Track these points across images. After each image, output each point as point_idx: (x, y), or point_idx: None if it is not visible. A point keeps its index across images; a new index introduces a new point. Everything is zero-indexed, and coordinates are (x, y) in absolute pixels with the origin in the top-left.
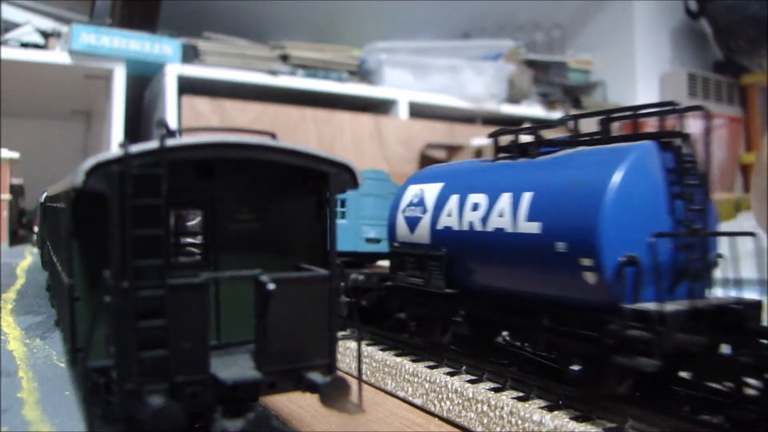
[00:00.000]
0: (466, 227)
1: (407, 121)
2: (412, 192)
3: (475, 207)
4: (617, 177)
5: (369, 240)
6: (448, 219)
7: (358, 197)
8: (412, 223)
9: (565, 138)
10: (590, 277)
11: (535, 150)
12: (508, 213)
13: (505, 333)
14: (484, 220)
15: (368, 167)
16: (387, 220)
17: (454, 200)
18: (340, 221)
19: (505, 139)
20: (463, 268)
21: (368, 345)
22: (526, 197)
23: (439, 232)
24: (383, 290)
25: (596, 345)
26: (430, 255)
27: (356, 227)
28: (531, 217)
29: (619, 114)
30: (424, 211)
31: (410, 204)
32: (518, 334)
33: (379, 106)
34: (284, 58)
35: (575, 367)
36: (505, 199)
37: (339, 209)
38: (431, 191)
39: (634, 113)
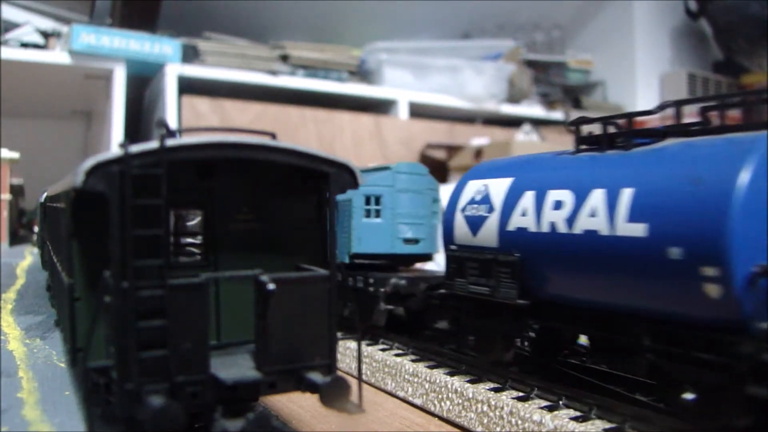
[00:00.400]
0: (546, 229)
1: (407, 121)
2: (473, 188)
3: (558, 205)
4: (746, 173)
5: (407, 240)
6: (522, 219)
7: (394, 193)
8: (475, 223)
9: (662, 128)
10: (714, 290)
11: (629, 141)
12: (603, 213)
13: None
14: (570, 220)
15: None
16: (425, 218)
17: (529, 197)
18: (374, 220)
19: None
20: (541, 275)
21: (368, 345)
22: (626, 194)
23: (510, 234)
24: (434, 298)
25: (718, 370)
26: (498, 260)
27: (392, 227)
28: (634, 218)
29: (729, 101)
30: (491, 209)
31: (472, 202)
32: (605, 354)
33: (379, 106)
34: (284, 58)
35: (688, 396)
36: (597, 197)
37: (373, 207)
38: (498, 187)
39: (745, 98)
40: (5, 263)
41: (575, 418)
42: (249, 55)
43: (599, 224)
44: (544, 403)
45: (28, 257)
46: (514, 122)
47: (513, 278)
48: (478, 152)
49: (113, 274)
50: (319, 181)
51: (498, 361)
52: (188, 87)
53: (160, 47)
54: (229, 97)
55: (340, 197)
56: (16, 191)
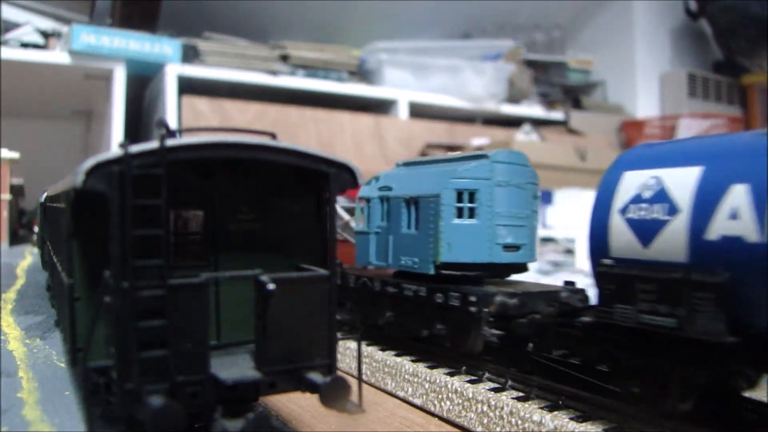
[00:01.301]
0: None
1: (407, 121)
2: (634, 182)
3: None
4: None
5: (506, 247)
6: (732, 224)
7: (492, 188)
8: (647, 229)
9: None
10: None
11: None
12: None
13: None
14: None
15: (368, 167)
16: (527, 219)
17: (739, 194)
18: (467, 221)
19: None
20: (764, 303)
21: (368, 345)
22: None
23: (710, 244)
24: (577, 328)
25: None
26: (693, 281)
27: (490, 229)
28: None
29: None
30: (672, 210)
31: (637, 200)
32: None
33: (379, 106)
34: (284, 58)
35: None
36: None
37: (466, 205)
38: (681, 179)
39: None
40: (5, 263)
41: (575, 418)
42: (249, 55)
43: None
44: (544, 403)
45: (28, 257)
46: (514, 122)
47: (718, 306)
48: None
49: (113, 274)
50: (319, 181)
51: (671, 412)
52: (188, 87)
53: (160, 47)
54: (229, 97)
55: (423, 193)
56: (16, 191)
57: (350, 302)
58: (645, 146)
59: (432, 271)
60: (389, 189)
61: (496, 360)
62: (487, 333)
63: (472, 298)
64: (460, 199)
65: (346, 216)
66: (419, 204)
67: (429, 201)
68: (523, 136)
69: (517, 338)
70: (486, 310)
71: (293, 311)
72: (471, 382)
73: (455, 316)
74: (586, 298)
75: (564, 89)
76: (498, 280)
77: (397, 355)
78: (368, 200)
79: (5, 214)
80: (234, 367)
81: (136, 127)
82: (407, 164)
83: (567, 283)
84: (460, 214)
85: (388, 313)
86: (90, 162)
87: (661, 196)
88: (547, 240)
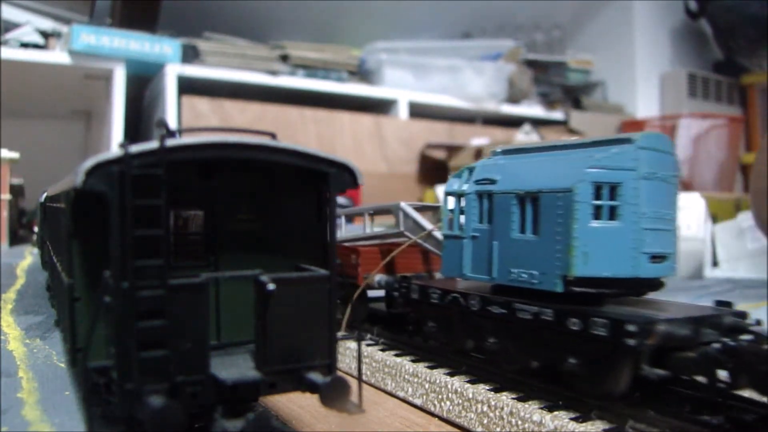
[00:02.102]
0: None
1: (407, 121)
2: None
3: None
4: None
5: (654, 257)
6: None
7: (637, 181)
8: None
9: None
10: None
11: None
12: None
13: None
14: None
15: (368, 167)
16: (672, 221)
17: None
18: (609, 224)
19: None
20: None
21: (368, 345)
22: None
23: None
24: None
25: None
26: None
27: (635, 234)
28: None
29: None
30: None
31: None
32: None
33: (379, 106)
34: (284, 58)
35: None
36: None
37: (606, 203)
38: None
39: None
40: (5, 263)
41: (575, 418)
42: (249, 55)
43: None
44: (544, 404)
45: (28, 257)
46: (514, 122)
47: None
48: (478, 152)
49: (113, 274)
50: (319, 181)
51: None
52: (188, 87)
53: (160, 47)
54: (229, 97)
55: (546, 186)
56: (16, 191)
57: (430, 322)
58: None
59: (560, 288)
60: (491, 182)
61: (654, 406)
62: (648, 371)
63: (631, 327)
64: (598, 195)
65: (428, 225)
66: (540, 201)
67: (556, 197)
68: (523, 136)
69: (679, 375)
70: (647, 342)
71: (293, 311)
72: (471, 382)
73: (598, 348)
74: (758, 323)
75: (564, 89)
76: (632, 299)
77: (397, 355)
78: (460, 196)
79: (5, 214)
80: (234, 367)
81: (136, 127)
82: (510, 151)
83: (720, 303)
84: (598, 214)
85: (491, 339)
86: (90, 162)
87: None
88: None
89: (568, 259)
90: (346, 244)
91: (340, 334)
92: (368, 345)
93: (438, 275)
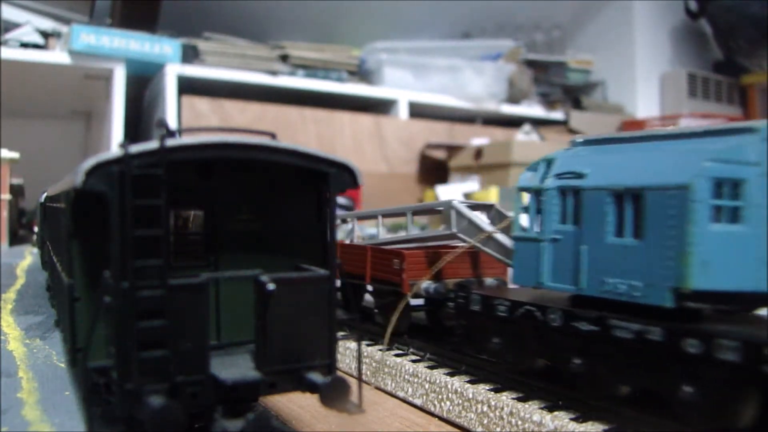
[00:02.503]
0: None
1: (407, 121)
2: None
3: None
4: None
5: None
6: None
7: (762, 178)
8: None
9: None
10: None
11: None
12: None
13: None
14: None
15: (368, 167)
16: None
17: None
18: (732, 228)
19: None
20: None
21: (368, 345)
22: None
23: None
24: None
25: None
26: None
27: (760, 240)
28: None
29: None
30: None
31: None
32: None
33: (379, 106)
34: (284, 58)
35: None
36: None
37: (728, 203)
38: None
39: None
40: (5, 263)
41: (575, 419)
42: (249, 55)
43: None
44: (544, 404)
45: (28, 257)
46: (514, 122)
47: None
48: (478, 152)
49: (113, 274)
50: (319, 181)
51: None
52: (188, 87)
53: (160, 47)
54: (229, 97)
55: (653, 182)
56: (16, 191)
57: (495, 337)
58: None
59: (670, 303)
60: (578, 176)
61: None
62: None
63: None
64: (718, 193)
65: (488, 227)
66: (645, 199)
67: (666, 195)
68: (523, 136)
69: None
70: None
71: (293, 311)
72: (471, 382)
73: (724, 375)
74: None
75: (564, 89)
76: (739, 315)
77: (397, 355)
78: (538, 192)
79: (5, 214)
80: (234, 367)
81: (136, 127)
82: (596, 141)
83: None
84: (718, 216)
85: (576, 360)
86: (90, 162)
87: None
88: None
89: (683, 269)
90: (387, 247)
91: (384, 345)
92: (368, 345)
93: (489, 282)
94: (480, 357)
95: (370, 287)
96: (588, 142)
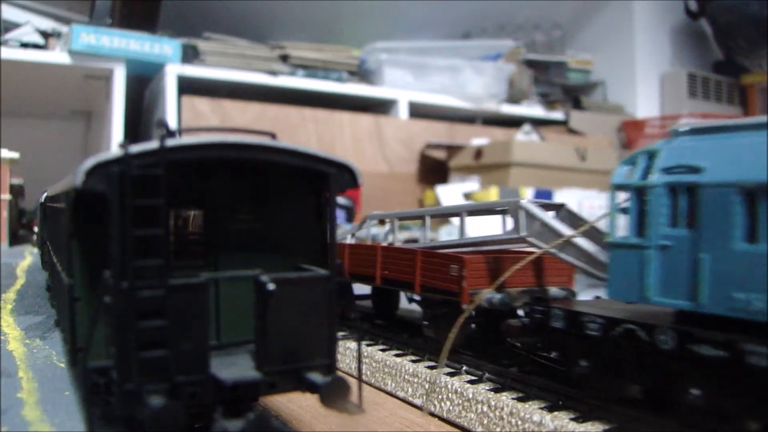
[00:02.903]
0: None
1: (407, 121)
2: None
3: None
4: None
5: None
6: None
7: None
8: None
9: None
10: None
11: None
12: None
13: None
14: None
15: (368, 167)
16: None
17: None
18: None
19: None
20: None
21: (368, 345)
22: None
23: None
24: None
25: None
26: None
27: None
28: None
29: None
30: None
31: None
32: None
33: (379, 106)
34: (284, 58)
35: None
36: None
37: None
38: None
39: None
40: (5, 263)
41: (575, 419)
42: (249, 55)
43: None
44: (544, 404)
45: (28, 257)
46: (514, 122)
47: None
48: (478, 152)
49: (113, 274)
50: (319, 181)
51: None
52: (188, 87)
53: (160, 47)
54: (229, 97)
55: (722, 179)
56: (16, 191)
57: (583, 360)
58: None
59: None
60: (694, 170)
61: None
62: None
63: None
64: None
65: (566, 231)
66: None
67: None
68: (523, 136)
69: None
70: None
71: (293, 311)
72: (471, 382)
73: None
74: None
75: (564, 89)
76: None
77: (397, 355)
78: (640, 191)
79: (5, 214)
80: (234, 367)
81: (136, 127)
82: (708, 130)
83: None
84: None
85: (694, 391)
86: (90, 162)
87: None
88: None
89: None
90: (442, 251)
91: (441, 364)
92: (368, 345)
93: (555, 292)
94: (559, 384)
95: (417, 296)
96: (695, 131)
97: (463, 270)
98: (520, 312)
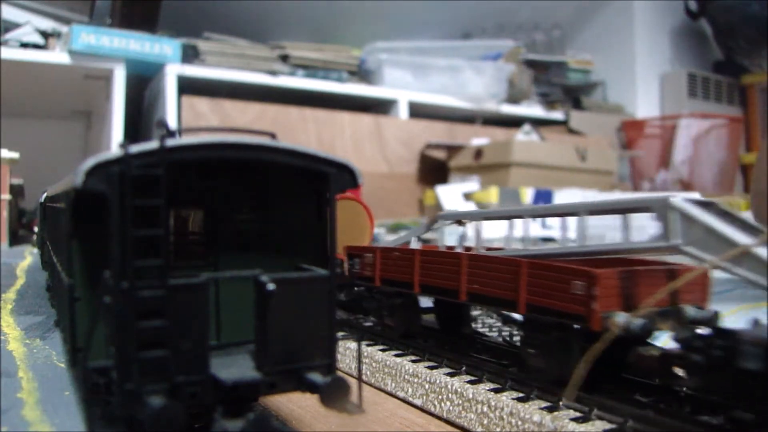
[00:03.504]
0: None
1: (407, 121)
2: None
3: None
4: None
5: None
6: None
7: None
8: None
9: None
10: None
11: None
12: None
13: None
14: None
15: (368, 167)
16: None
17: None
18: None
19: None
20: None
21: (368, 345)
22: None
23: None
24: None
25: None
26: None
27: None
28: None
29: None
30: None
31: None
32: None
33: (379, 106)
34: (284, 58)
35: None
36: None
37: None
38: None
39: None
40: (5, 263)
41: (575, 419)
42: (249, 55)
43: None
44: (544, 404)
45: (28, 257)
46: (514, 122)
47: None
48: (478, 152)
49: (113, 274)
50: (319, 181)
51: None
52: (188, 87)
53: (160, 47)
54: (229, 97)
55: None
56: (16, 191)
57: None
58: None
59: None
60: None
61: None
62: None
63: None
64: None
65: (744, 240)
66: None
67: None
68: (523, 136)
69: None
70: None
71: (293, 311)
72: (471, 382)
73: None
74: None
75: (564, 89)
76: None
77: (397, 355)
78: None
79: (5, 214)
80: (234, 367)
81: (136, 127)
82: None
83: None
84: None
85: None
86: (90, 162)
87: None
88: (547, 240)
89: None
90: (559, 262)
91: (569, 400)
92: (368, 345)
93: (692, 312)
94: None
95: (518, 316)
96: None
97: (594, 288)
98: (656, 340)
